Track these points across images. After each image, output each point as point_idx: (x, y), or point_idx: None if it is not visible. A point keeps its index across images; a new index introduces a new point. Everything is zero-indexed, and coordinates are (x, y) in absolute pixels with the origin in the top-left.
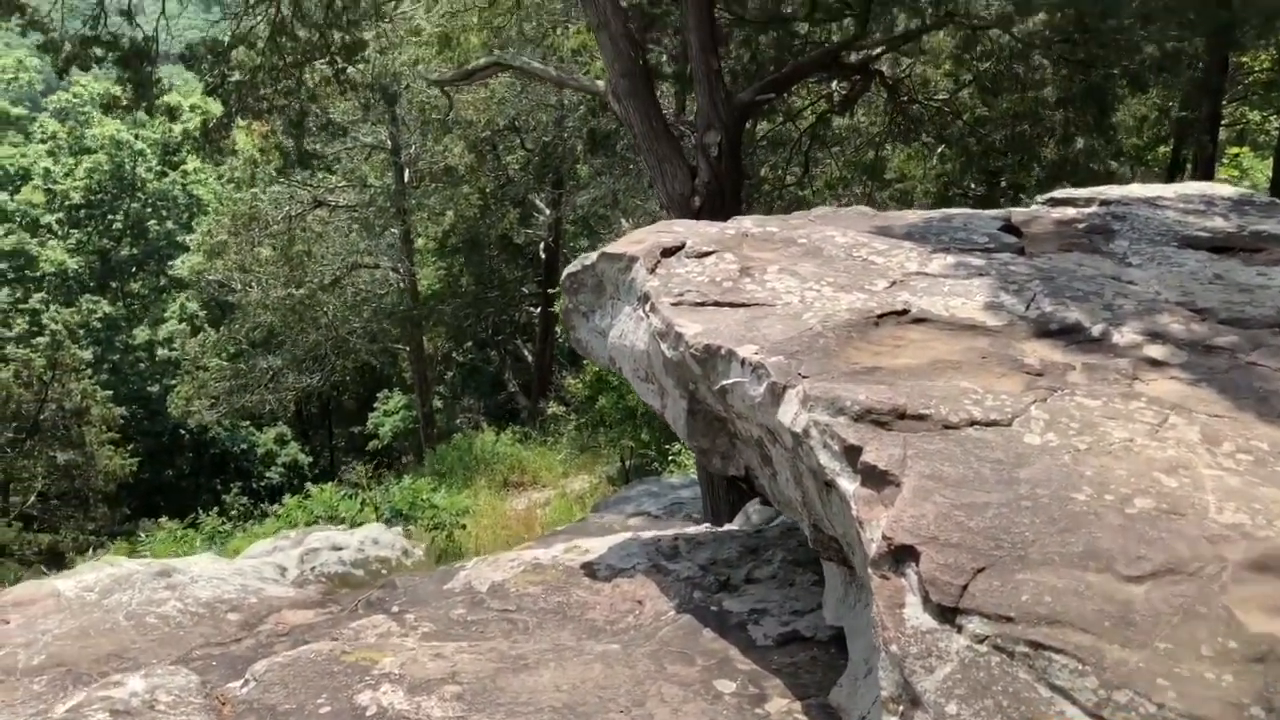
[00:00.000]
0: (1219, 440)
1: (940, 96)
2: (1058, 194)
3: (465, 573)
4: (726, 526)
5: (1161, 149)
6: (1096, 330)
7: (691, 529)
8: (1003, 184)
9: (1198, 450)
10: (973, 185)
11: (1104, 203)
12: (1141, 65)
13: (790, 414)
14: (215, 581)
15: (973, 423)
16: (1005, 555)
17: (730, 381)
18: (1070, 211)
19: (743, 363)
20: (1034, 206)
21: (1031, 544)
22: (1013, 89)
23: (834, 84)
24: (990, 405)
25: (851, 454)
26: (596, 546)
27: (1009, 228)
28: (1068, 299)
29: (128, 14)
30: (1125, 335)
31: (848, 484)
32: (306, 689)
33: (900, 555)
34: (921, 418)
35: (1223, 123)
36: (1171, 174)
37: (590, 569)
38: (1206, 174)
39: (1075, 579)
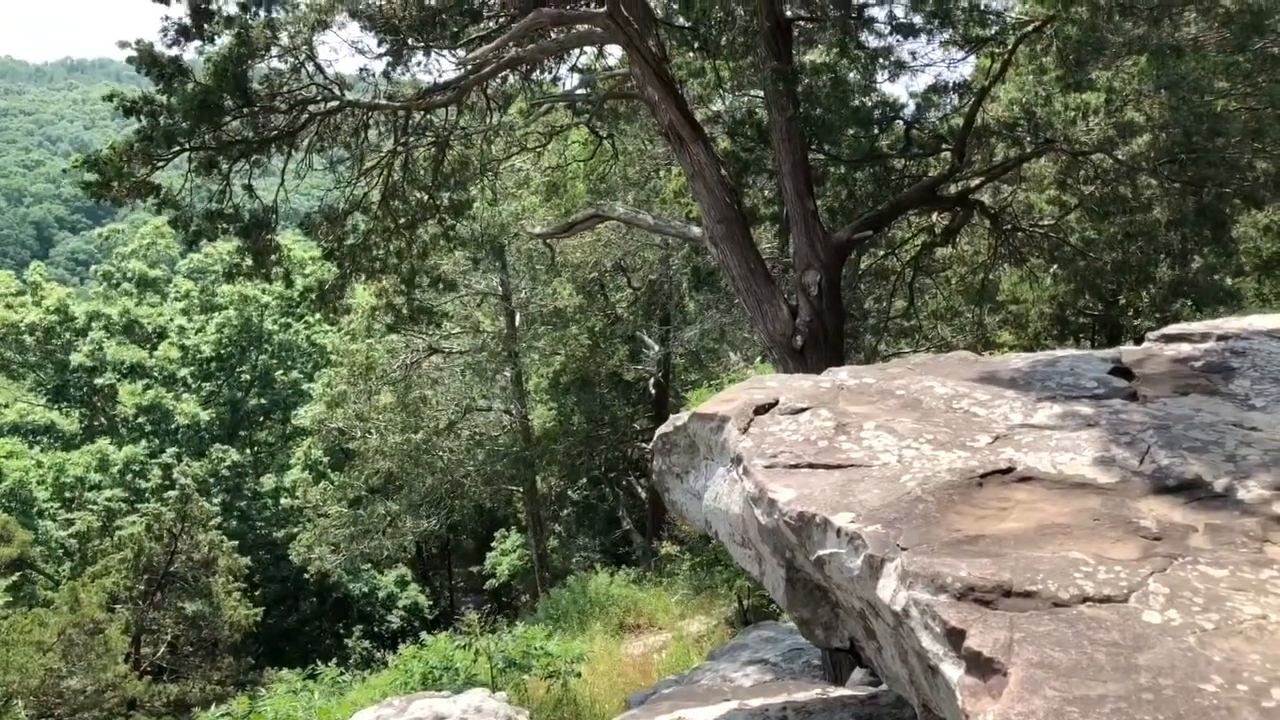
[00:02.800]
0: None
1: (1046, 222)
2: (1171, 330)
3: None
4: (839, 691)
5: None
6: (1219, 485)
7: (801, 695)
8: (1121, 302)
9: None
10: (1088, 306)
11: (1221, 337)
12: (1256, 182)
13: (889, 590)
14: None
15: (1085, 599)
16: None
17: (827, 552)
18: (1185, 348)
19: (839, 532)
20: (1146, 344)
21: None
22: (1121, 211)
23: (934, 215)
24: (1103, 578)
25: (955, 637)
26: (700, 719)
27: (1119, 369)
28: (1185, 450)
29: (249, 189)
30: (1251, 490)
31: (952, 670)
32: None
33: None
34: (1029, 595)
35: None
36: None
37: None
38: None
39: None
